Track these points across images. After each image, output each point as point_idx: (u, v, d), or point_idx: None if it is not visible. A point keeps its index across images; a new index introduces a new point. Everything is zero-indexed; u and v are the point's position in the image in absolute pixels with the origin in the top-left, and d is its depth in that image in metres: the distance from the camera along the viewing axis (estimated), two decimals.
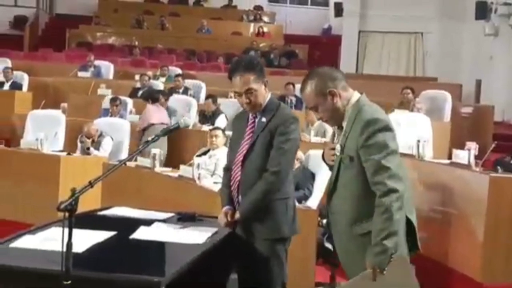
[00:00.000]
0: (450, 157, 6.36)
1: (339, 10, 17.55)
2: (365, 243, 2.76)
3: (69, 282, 2.39)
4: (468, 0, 15.06)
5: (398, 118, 7.56)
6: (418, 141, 6.22)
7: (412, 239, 2.91)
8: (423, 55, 16.32)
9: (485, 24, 13.92)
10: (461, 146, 6.05)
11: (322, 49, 19.20)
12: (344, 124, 2.88)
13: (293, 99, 9.92)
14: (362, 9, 16.43)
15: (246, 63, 3.32)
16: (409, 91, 8.76)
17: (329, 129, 8.10)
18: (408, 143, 6.47)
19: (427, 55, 16.20)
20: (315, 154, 6.19)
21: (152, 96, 8.93)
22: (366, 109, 2.81)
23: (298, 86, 10.29)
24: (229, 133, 7.27)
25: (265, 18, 20.74)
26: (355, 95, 2.89)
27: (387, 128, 2.76)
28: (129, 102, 9.78)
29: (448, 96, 9.04)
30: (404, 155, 6.30)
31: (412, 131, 7.07)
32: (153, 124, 8.40)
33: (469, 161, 5.44)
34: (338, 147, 2.89)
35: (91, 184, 2.60)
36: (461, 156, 5.54)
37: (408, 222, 2.87)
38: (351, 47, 16.76)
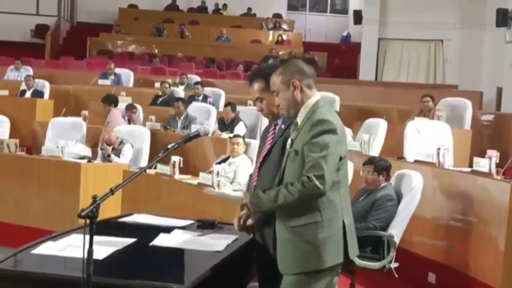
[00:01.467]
0: (470, 165, 6.31)
1: (358, 18, 17.52)
2: (300, 234, 2.85)
3: None
4: (489, 7, 14.96)
5: (418, 126, 7.54)
6: (439, 149, 6.18)
7: (344, 246, 2.90)
8: (443, 63, 16.22)
9: (505, 31, 13.81)
10: (482, 154, 6.01)
11: (341, 57, 19.18)
12: (299, 120, 2.98)
13: None
14: (381, 16, 16.39)
15: (255, 72, 3.40)
16: (429, 99, 8.71)
17: (349, 137, 8.08)
18: (428, 151, 6.44)
19: (447, 62, 16.10)
20: None
21: (115, 100, 8.76)
22: (320, 111, 2.92)
23: None
24: (249, 140, 7.29)
25: (284, 26, 20.78)
26: (316, 96, 3.00)
27: (333, 131, 2.85)
28: (140, 109, 9.78)
29: (468, 103, 8.97)
30: (424, 163, 6.29)
31: (432, 139, 7.04)
32: None
33: (490, 169, 5.39)
34: (289, 141, 3.02)
35: (112, 192, 2.62)
36: (482, 164, 5.50)
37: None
38: (370, 54, 16.71)
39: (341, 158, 2.88)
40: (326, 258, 2.83)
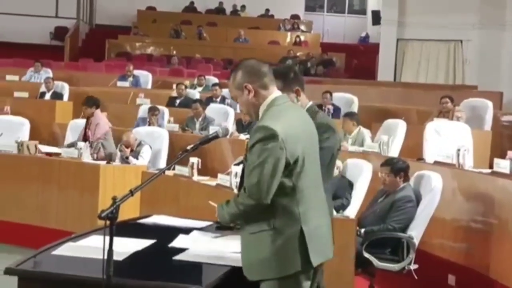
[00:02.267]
0: (491, 167, 6.26)
1: (376, 18, 17.45)
2: (256, 241, 2.79)
3: None
4: (509, 7, 14.83)
5: (437, 127, 7.49)
6: (458, 150, 6.14)
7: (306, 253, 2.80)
8: (462, 63, 16.09)
9: None
10: (502, 155, 5.97)
11: (360, 58, 19.13)
12: None
13: (331, 107, 9.88)
14: (400, 17, 16.29)
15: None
16: (447, 100, 8.64)
17: (368, 138, 8.06)
18: (448, 152, 6.40)
19: (467, 63, 15.98)
20: (353, 162, 6.16)
21: (98, 102, 8.61)
22: (268, 113, 2.84)
23: (335, 95, 10.28)
24: None
25: (302, 27, 20.77)
26: (273, 95, 2.90)
27: (271, 138, 2.72)
28: (166, 111, 9.86)
29: (489, 104, 8.89)
30: (444, 164, 6.25)
31: (452, 140, 6.99)
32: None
33: (511, 170, 5.35)
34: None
35: (131, 193, 2.62)
36: (503, 165, 5.46)
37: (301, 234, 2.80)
38: (389, 55, 16.62)
39: (290, 163, 2.75)
40: (285, 266, 2.76)
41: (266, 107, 2.86)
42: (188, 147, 2.99)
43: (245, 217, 2.81)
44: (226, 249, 3.07)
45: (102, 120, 8.44)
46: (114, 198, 2.49)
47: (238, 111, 9.96)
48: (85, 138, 8.28)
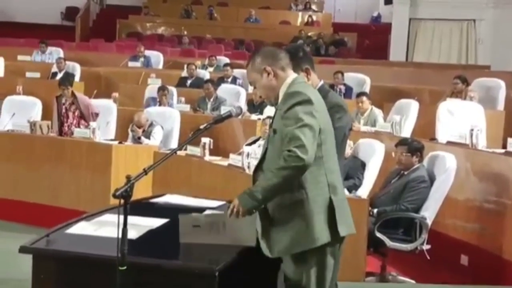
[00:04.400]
0: (504, 146, 6.23)
1: None
2: (287, 213, 2.77)
3: (125, 267, 2.43)
4: None
5: (450, 107, 7.44)
6: (472, 130, 6.11)
7: (333, 224, 2.80)
8: (475, 43, 15.95)
9: None
10: None
11: (371, 38, 18.99)
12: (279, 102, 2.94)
13: (342, 87, 9.84)
14: None
15: None
16: (458, 81, 8.55)
17: (380, 118, 8.02)
18: (461, 132, 6.37)
19: (480, 42, 15.84)
20: (365, 143, 6.14)
21: (72, 80, 8.38)
22: (295, 86, 2.88)
23: (347, 75, 10.22)
24: None
25: (314, 7, 20.60)
26: (292, 76, 2.95)
27: (307, 102, 2.78)
28: (174, 91, 9.82)
29: (502, 84, 8.81)
30: (457, 144, 6.22)
31: (465, 120, 6.94)
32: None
33: None
34: (269, 120, 3.01)
35: (145, 172, 2.62)
36: None
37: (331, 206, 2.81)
38: (401, 35, 16.49)
39: (320, 131, 2.78)
40: (314, 238, 2.76)
41: (288, 86, 2.90)
42: (201, 126, 2.98)
43: (282, 186, 2.72)
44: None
45: (88, 102, 8.18)
46: (128, 177, 2.49)
47: (250, 91, 9.94)
48: (61, 120, 8.03)
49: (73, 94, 8.05)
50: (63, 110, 8.03)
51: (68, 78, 8.45)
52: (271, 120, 2.97)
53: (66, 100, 8.05)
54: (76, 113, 8.01)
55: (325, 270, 2.84)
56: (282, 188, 2.74)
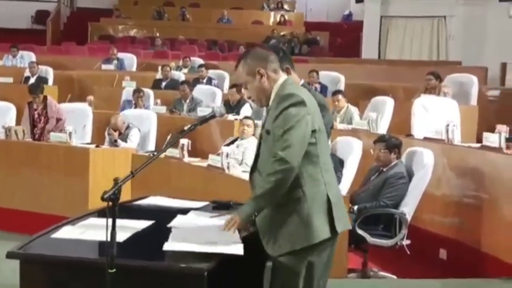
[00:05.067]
0: (478, 141, 6.33)
1: None
2: (285, 211, 2.82)
3: (114, 270, 2.42)
4: None
5: (425, 103, 7.53)
6: (447, 125, 6.19)
7: (331, 220, 2.86)
8: (446, 39, 16.15)
9: (509, 5, 13.75)
10: (489, 130, 6.01)
11: (343, 36, 19.12)
12: (271, 102, 2.96)
13: (318, 86, 9.90)
14: None
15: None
16: (431, 77, 8.65)
17: (356, 116, 8.09)
18: (437, 127, 6.45)
19: (451, 38, 16.03)
20: (343, 140, 6.19)
21: (43, 87, 8.46)
22: (287, 88, 2.91)
23: (321, 74, 10.28)
24: (258, 122, 7.30)
25: (286, 6, 20.68)
26: (283, 77, 2.98)
27: (300, 103, 2.82)
28: (151, 93, 9.81)
29: (474, 79, 8.94)
30: (433, 140, 6.30)
31: (440, 116, 7.04)
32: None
33: (500, 144, 5.40)
34: (263, 123, 3.02)
35: (132, 174, 2.63)
36: (492, 139, 5.51)
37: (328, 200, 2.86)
38: (373, 32, 16.64)
39: (314, 131, 2.84)
40: (314, 234, 2.80)
41: (279, 88, 2.93)
42: (185, 128, 3.00)
43: (276, 190, 2.77)
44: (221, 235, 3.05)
45: (58, 108, 8.29)
46: (116, 180, 2.49)
47: (226, 91, 9.96)
48: (34, 123, 8.14)
49: (44, 99, 8.05)
50: (36, 116, 8.03)
51: (38, 86, 8.43)
52: (263, 120, 2.99)
53: (37, 105, 8.10)
54: (47, 118, 8.10)
55: (323, 266, 2.88)
56: (276, 192, 2.79)
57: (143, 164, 2.69)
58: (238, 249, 2.68)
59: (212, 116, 3.07)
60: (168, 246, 2.68)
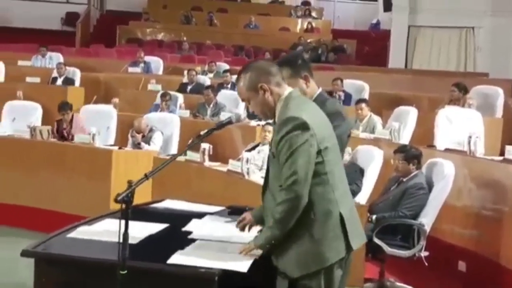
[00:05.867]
0: (502, 154, 6.26)
1: (388, 5, 17.36)
2: (295, 235, 2.77)
3: (125, 271, 2.45)
4: None
5: (449, 114, 7.47)
6: (470, 137, 6.14)
7: (346, 238, 2.81)
8: (474, 50, 16.01)
9: None
10: None
11: (371, 44, 19.06)
12: (276, 119, 2.89)
13: (341, 94, 9.87)
14: (411, 3, 16.19)
15: (281, 60, 3.39)
16: (454, 88, 8.58)
17: (378, 125, 8.06)
18: (459, 139, 6.40)
19: (478, 50, 15.89)
20: (364, 149, 6.17)
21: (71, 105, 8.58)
22: (290, 106, 2.83)
23: (346, 82, 10.26)
24: None
25: (313, 14, 20.68)
26: (287, 91, 2.90)
27: (301, 126, 2.74)
28: (180, 97, 9.88)
29: (500, 91, 8.84)
30: (455, 151, 6.25)
31: (464, 127, 6.97)
32: None
33: None
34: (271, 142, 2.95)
35: (146, 177, 2.65)
36: None
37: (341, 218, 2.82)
38: (400, 42, 16.55)
39: (320, 151, 2.78)
40: (327, 256, 2.76)
41: (284, 102, 2.86)
42: (202, 132, 3.01)
43: (286, 218, 2.73)
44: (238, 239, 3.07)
45: (82, 120, 8.48)
46: (129, 182, 2.52)
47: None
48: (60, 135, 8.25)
49: (72, 117, 8.28)
50: (65, 134, 8.17)
51: (67, 103, 8.58)
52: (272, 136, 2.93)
53: (66, 124, 8.29)
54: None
55: (333, 284, 2.83)
56: (288, 221, 2.74)
57: (158, 167, 2.72)
58: (243, 266, 2.67)
59: (229, 122, 3.08)
60: (174, 259, 2.68)
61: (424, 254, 5.16)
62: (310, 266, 2.76)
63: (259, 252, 2.81)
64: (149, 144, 7.89)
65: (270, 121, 3.01)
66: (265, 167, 6.66)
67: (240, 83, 2.91)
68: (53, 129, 8.20)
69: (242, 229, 3.07)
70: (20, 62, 12.34)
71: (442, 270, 5.70)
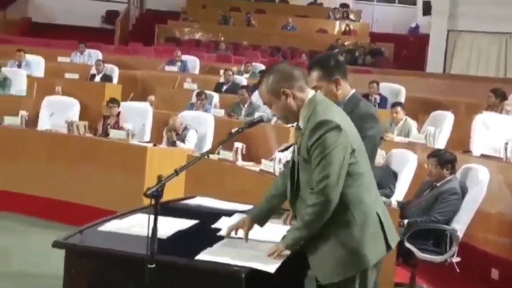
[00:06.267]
0: None
1: (427, 9, 17.19)
2: (334, 240, 2.75)
3: (154, 265, 2.47)
4: None
5: (486, 120, 7.36)
6: (506, 143, 6.04)
7: (384, 238, 2.80)
8: None
9: None
10: None
11: (409, 48, 18.88)
12: (301, 124, 2.85)
13: (377, 97, 9.82)
14: (451, 7, 16.02)
15: (314, 60, 3.38)
16: (491, 94, 8.48)
17: (414, 129, 7.99)
18: (496, 145, 6.31)
19: None
20: (398, 153, 6.12)
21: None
22: (318, 110, 2.78)
23: (382, 85, 10.19)
24: None
25: (352, 16, 20.59)
26: (310, 94, 2.86)
27: (335, 128, 2.71)
28: (215, 96, 9.93)
29: None
30: (491, 157, 6.16)
31: (501, 134, 6.86)
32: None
33: None
34: (295, 148, 2.91)
35: (176, 173, 2.67)
36: None
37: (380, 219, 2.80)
38: (439, 46, 16.38)
39: (354, 151, 2.76)
40: (369, 257, 2.74)
41: (308, 106, 2.82)
42: (233, 130, 3.02)
43: (315, 221, 2.73)
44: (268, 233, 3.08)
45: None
46: (159, 177, 2.54)
47: None
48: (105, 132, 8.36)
49: (118, 114, 8.38)
50: (108, 129, 8.26)
51: (116, 99, 8.70)
52: (298, 144, 2.87)
53: (111, 120, 8.38)
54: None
55: (368, 285, 2.82)
56: (316, 223, 2.74)
57: (187, 164, 2.74)
58: (271, 267, 2.67)
59: (260, 120, 3.09)
60: (202, 256, 2.69)
61: (456, 260, 5.09)
62: (350, 270, 2.75)
63: (287, 252, 2.80)
64: (184, 142, 7.94)
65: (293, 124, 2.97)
66: None
67: (262, 87, 2.87)
68: (97, 125, 8.31)
69: (229, 234, 3.02)
70: (59, 58, 12.54)
71: (474, 277, 5.63)
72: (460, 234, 5.10)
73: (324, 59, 3.38)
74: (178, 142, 7.91)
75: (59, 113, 8.60)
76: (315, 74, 3.29)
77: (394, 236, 2.90)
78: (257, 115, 8.65)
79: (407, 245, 5.03)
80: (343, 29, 19.41)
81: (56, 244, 2.73)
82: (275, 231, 3.12)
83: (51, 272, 4.80)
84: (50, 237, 2.91)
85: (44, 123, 8.36)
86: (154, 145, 7.55)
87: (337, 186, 2.71)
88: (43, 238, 4.74)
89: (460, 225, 5.12)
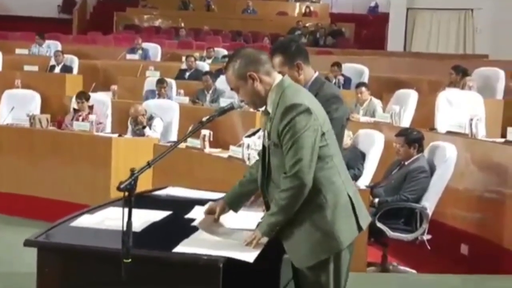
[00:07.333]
0: (503, 136, 6.24)
1: None
2: (307, 223, 2.74)
3: (129, 260, 2.43)
4: None
5: (449, 97, 7.44)
6: (471, 119, 6.12)
7: (356, 219, 2.81)
8: (473, 32, 15.96)
9: None
10: None
11: (369, 28, 18.99)
12: (269, 109, 2.83)
13: (341, 78, 9.84)
14: None
15: (275, 46, 3.37)
16: (453, 71, 8.59)
17: (379, 109, 8.03)
18: (460, 122, 6.38)
19: (477, 31, 15.83)
20: (365, 133, 6.16)
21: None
22: (287, 94, 2.77)
23: (345, 66, 10.22)
24: None
25: None
26: (277, 79, 2.84)
27: (306, 111, 2.70)
28: (174, 83, 9.82)
29: (501, 73, 8.81)
30: (456, 134, 6.23)
31: (464, 110, 6.95)
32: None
33: None
34: (265, 133, 2.89)
35: (149, 165, 2.63)
36: None
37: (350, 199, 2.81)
38: (398, 24, 16.50)
39: (323, 134, 2.75)
40: (342, 239, 2.73)
41: (276, 90, 2.80)
42: (204, 119, 2.98)
43: (291, 205, 2.71)
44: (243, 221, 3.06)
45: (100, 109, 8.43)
46: (132, 170, 2.49)
47: None
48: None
49: (90, 108, 8.20)
50: (80, 120, 8.09)
51: (83, 93, 8.50)
52: (267, 129, 2.84)
53: (82, 112, 8.18)
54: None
55: (343, 266, 2.81)
56: (292, 208, 2.72)
57: (160, 155, 2.69)
58: (249, 256, 2.63)
59: (231, 107, 3.05)
60: (179, 248, 2.65)
61: (426, 237, 5.16)
62: (325, 252, 2.74)
63: (265, 240, 2.78)
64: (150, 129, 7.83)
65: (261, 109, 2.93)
66: None
67: (229, 71, 2.84)
68: (60, 118, 8.15)
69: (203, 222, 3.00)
70: (17, 51, 12.31)
71: (445, 253, 5.71)
72: (429, 211, 5.17)
73: (285, 44, 3.36)
74: (147, 130, 7.78)
75: (20, 106, 8.45)
76: (277, 60, 3.27)
77: (365, 217, 2.90)
78: (222, 100, 8.63)
79: (378, 224, 5.08)
80: (303, 10, 19.42)
81: (28, 243, 2.66)
82: (250, 218, 3.10)
83: (24, 270, 4.72)
84: (19, 234, 2.85)
85: (5, 118, 8.18)
86: (119, 135, 7.46)
87: (310, 169, 2.70)
88: (11, 235, 4.66)
89: (429, 203, 5.18)
